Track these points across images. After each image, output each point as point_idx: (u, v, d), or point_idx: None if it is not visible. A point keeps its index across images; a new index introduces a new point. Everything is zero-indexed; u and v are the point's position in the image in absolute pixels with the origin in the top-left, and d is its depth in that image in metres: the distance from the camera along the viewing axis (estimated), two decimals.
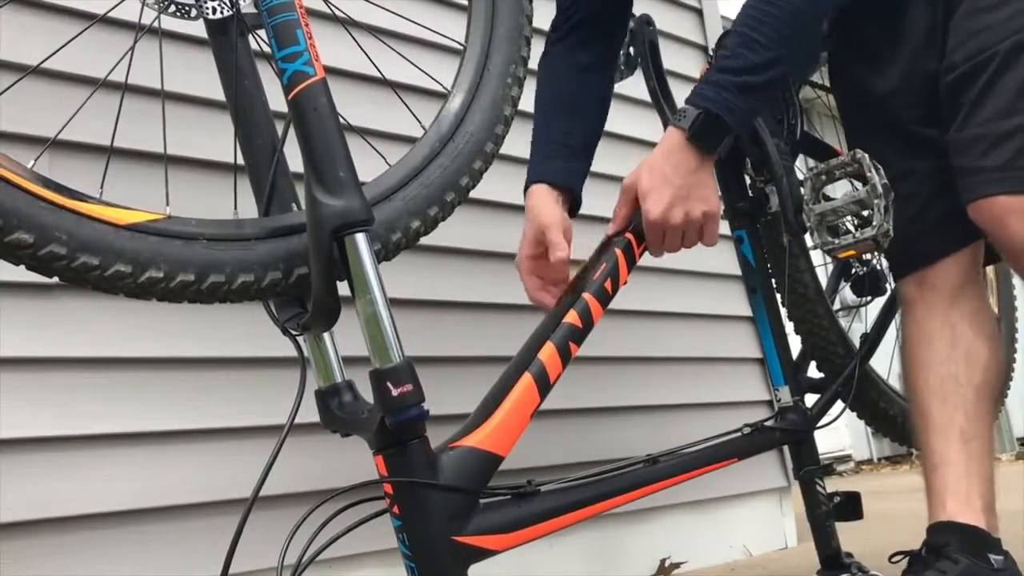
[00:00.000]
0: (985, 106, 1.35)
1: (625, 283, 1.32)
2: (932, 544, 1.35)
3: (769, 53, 1.28)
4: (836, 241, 1.53)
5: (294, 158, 1.08)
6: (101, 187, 1.01)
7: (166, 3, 1.14)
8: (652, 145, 1.51)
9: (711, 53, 1.67)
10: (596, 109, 1.60)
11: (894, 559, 1.41)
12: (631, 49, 1.72)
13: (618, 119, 1.78)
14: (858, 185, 1.56)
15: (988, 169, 1.33)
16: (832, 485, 1.65)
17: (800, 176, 1.62)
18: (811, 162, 1.81)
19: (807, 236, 1.66)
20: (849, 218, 1.61)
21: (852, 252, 1.53)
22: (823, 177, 1.56)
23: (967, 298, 1.47)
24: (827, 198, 1.58)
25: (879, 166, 1.47)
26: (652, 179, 1.31)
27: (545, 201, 1.45)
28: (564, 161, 1.51)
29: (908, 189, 1.49)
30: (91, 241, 0.92)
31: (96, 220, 0.94)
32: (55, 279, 0.94)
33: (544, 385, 1.15)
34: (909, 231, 1.48)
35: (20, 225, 0.88)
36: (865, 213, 1.54)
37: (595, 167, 1.57)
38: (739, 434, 1.53)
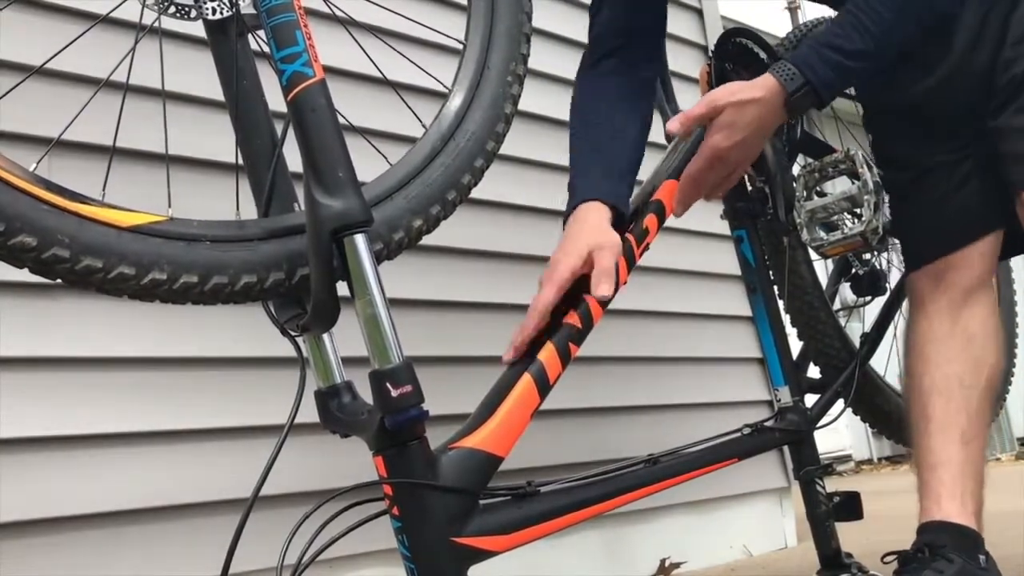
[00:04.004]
0: None
1: (625, 283, 1.32)
2: (930, 544, 1.36)
3: (875, 49, 1.31)
4: (824, 238, 1.53)
5: (294, 157, 1.08)
6: (103, 189, 1.01)
7: (166, 4, 1.14)
8: (653, 145, 1.51)
9: (711, 53, 1.66)
10: (626, 139, 1.46)
11: (886, 560, 1.41)
12: None
13: None
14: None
15: None
16: (832, 485, 1.65)
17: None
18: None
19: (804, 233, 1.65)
20: (847, 216, 1.61)
21: (840, 249, 1.52)
22: (816, 175, 1.56)
23: (980, 301, 1.46)
24: (823, 196, 1.58)
25: (871, 163, 1.46)
26: (735, 116, 1.32)
27: (598, 221, 1.32)
28: (612, 181, 1.39)
29: (927, 180, 1.46)
30: (94, 244, 0.92)
31: (99, 223, 0.94)
32: (58, 281, 0.94)
33: (544, 385, 1.15)
34: (927, 224, 1.45)
35: (23, 228, 0.88)
36: (858, 211, 1.53)
37: None
38: (739, 434, 1.53)
